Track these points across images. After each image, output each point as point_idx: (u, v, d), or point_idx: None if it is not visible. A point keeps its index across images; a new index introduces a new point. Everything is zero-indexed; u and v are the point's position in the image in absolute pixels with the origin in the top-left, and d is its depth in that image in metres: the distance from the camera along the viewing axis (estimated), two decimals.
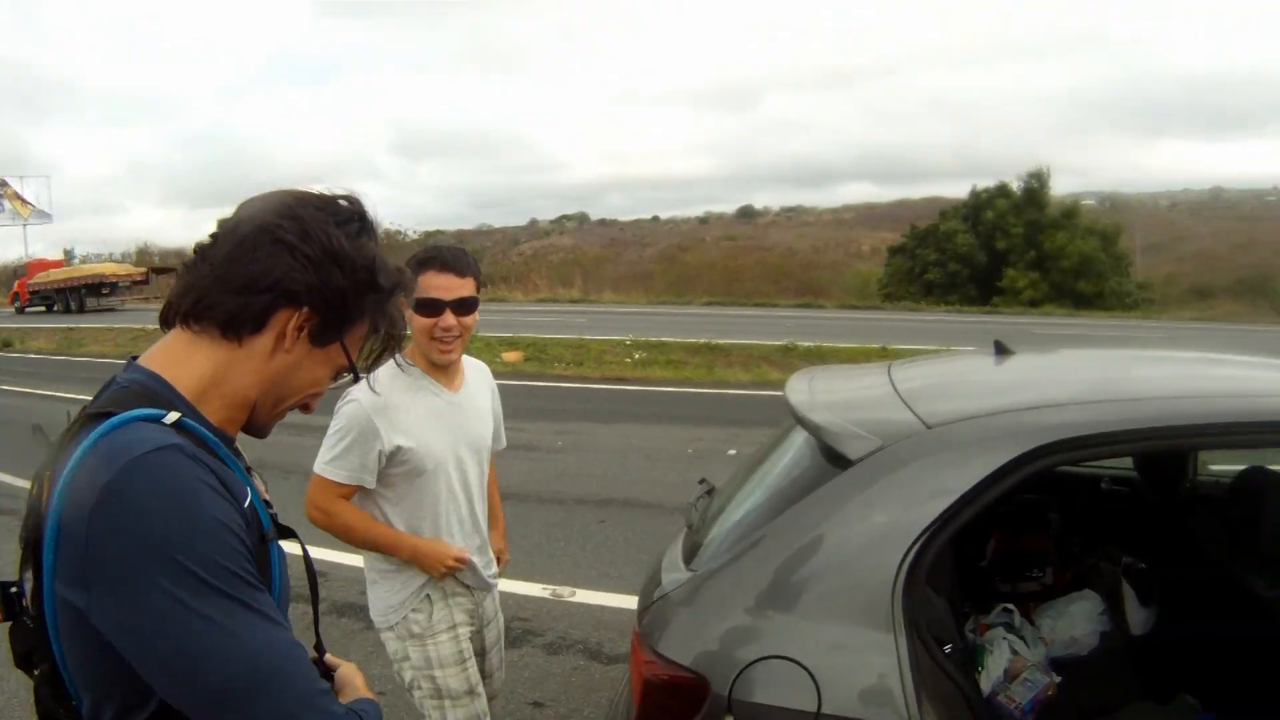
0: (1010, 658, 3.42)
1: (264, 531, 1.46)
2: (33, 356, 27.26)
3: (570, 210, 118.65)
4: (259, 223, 1.47)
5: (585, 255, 64.68)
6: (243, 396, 1.51)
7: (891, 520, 2.33)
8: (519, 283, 49.40)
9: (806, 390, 3.08)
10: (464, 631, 3.29)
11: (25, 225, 62.44)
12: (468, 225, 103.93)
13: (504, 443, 3.65)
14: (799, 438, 2.91)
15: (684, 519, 3.29)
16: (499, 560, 3.61)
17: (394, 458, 3.08)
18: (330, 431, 3.09)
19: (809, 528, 2.41)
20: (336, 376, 1.62)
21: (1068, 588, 3.97)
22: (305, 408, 1.62)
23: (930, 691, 2.25)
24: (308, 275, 1.46)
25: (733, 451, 10.56)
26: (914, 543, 2.27)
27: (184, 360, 1.47)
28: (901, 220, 57.70)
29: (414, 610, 3.21)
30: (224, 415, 1.50)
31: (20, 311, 43.48)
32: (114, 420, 1.32)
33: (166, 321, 1.52)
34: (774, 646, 2.29)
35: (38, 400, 17.96)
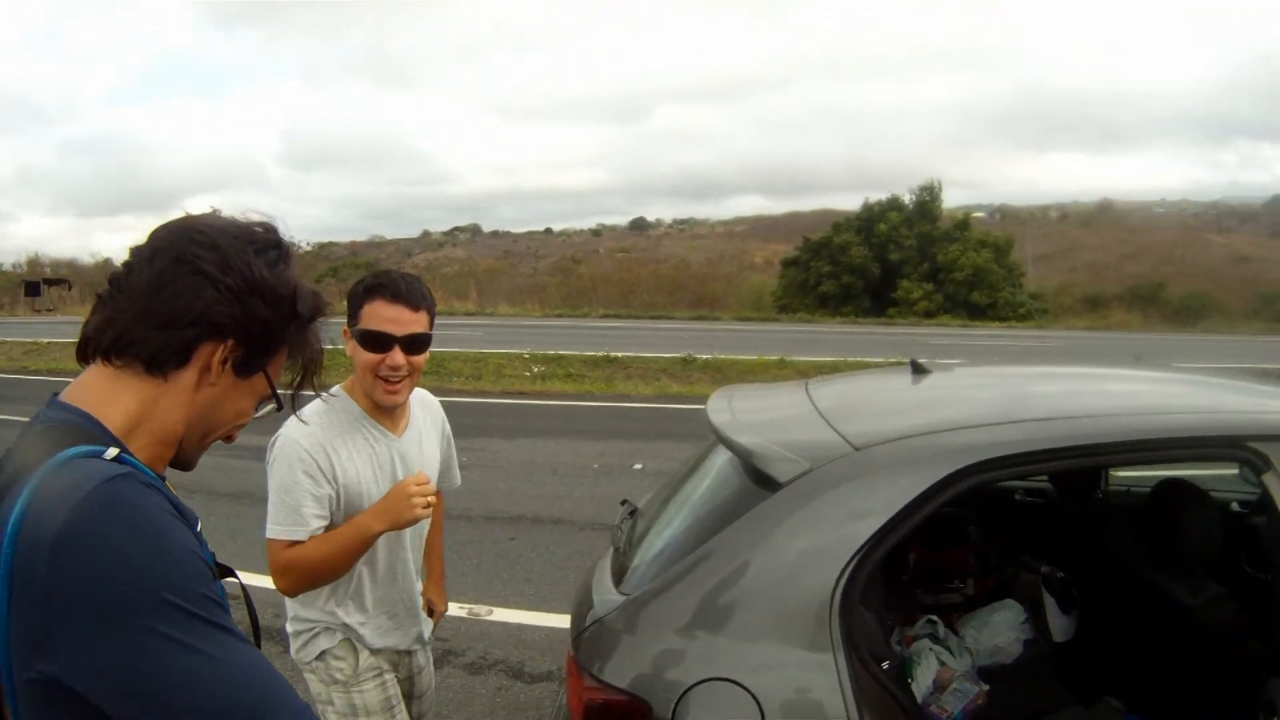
0: (938, 668, 3.52)
1: (209, 568, 1.38)
2: None
3: (462, 222, 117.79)
4: (176, 253, 1.43)
5: (479, 267, 64.31)
6: (170, 432, 1.47)
7: (824, 541, 2.40)
8: None
9: (728, 410, 3.13)
10: (390, 677, 3.04)
11: None
12: (360, 236, 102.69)
13: (458, 481, 3.39)
14: (721, 458, 2.97)
15: (610, 541, 3.30)
16: (432, 613, 3.36)
17: (339, 499, 2.79)
18: (273, 488, 2.74)
19: (742, 550, 2.46)
20: (259, 406, 1.60)
21: (989, 597, 4.09)
22: (228, 439, 1.60)
23: (870, 707, 2.32)
24: (231, 307, 1.43)
25: (639, 466, 10.62)
26: (847, 563, 2.34)
27: (108, 397, 1.42)
28: (793, 232, 58.29)
29: (336, 658, 2.94)
30: (152, 452, 1.44)
31: None
32: (54, 460, 1.26)
33: (84, 356, 1.47)
34: (715, 669, 2.33)
35: None
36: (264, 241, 1.51)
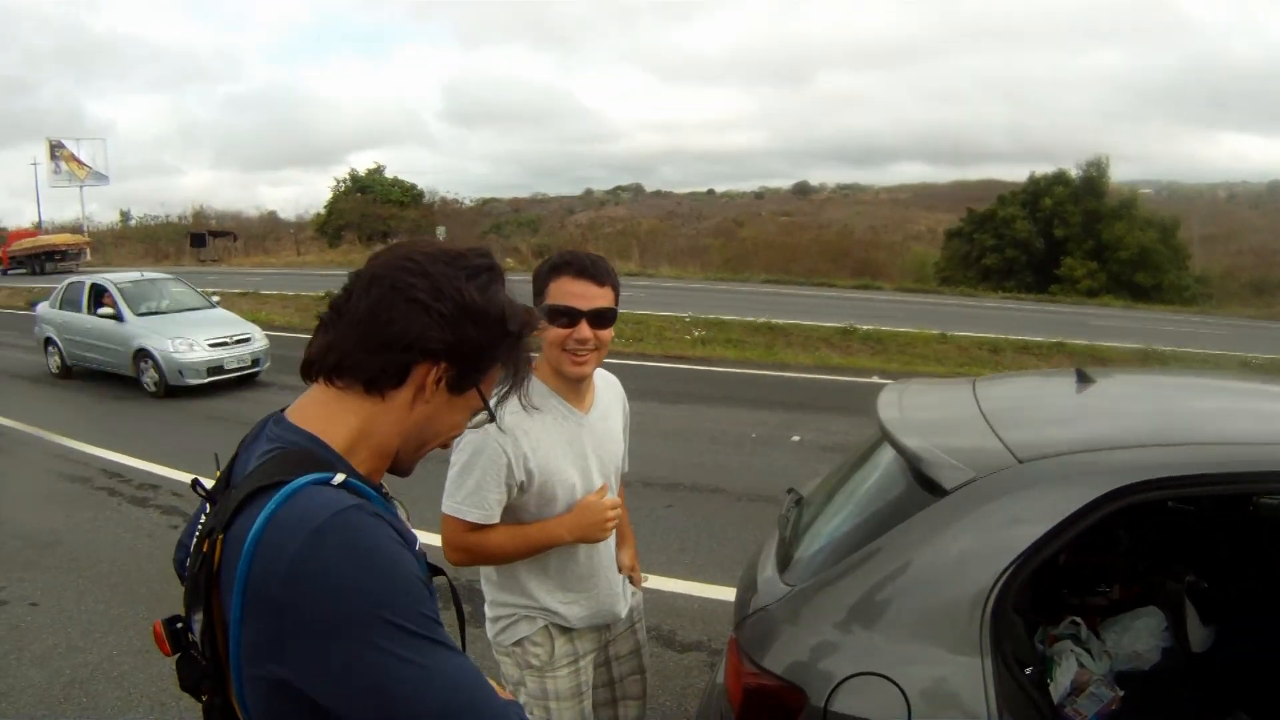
0: (1077, 670, 3.52)
1: (427, 586, 1.49)
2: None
3: (625, 181, 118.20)
4: (391, 281, 1.53)
5: (641, 227, 64.37)
6: (388, 446, 1.59)
7: (983, 549, 2.45)
8: None
9: (897, 408, 3.19)
10: (586, 662, 3.13)
11: (82, 187, 63.49)
12: (522, 193, 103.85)
13: (627, 466, 3.36)
14: (887, 455, 3.02)
15: (776, 526, 3.41)
16: (632, 581, 3.39)
17: (523, 487, 2.85)
18: (455, 465, 2.82)
19: (904, 552, 2.53)
20: (472, 416, 1.68)
21: (1133, 603, 4.04)
22: (444, 445, 1.70)
23: (1012, 710, 2.37)
24: (443, 332, 1.52)
25: (796, 438, 10.65)
26: (1003, 572, 2.39)
27: (332, 417, 1.55)
28: (957, 202, 57.09)
29: (534, 644, 3.02)
30: (371, 465, 1.57)
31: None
32: (288, 489, 1.37)
33: (309, 376, 1.59)
34: (868, 663, 2.42)
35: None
36: (475, 266, 1.58)
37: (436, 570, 1.60)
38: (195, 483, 1.68)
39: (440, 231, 48.90)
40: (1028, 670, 2.58)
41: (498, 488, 2.78)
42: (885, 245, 53.75)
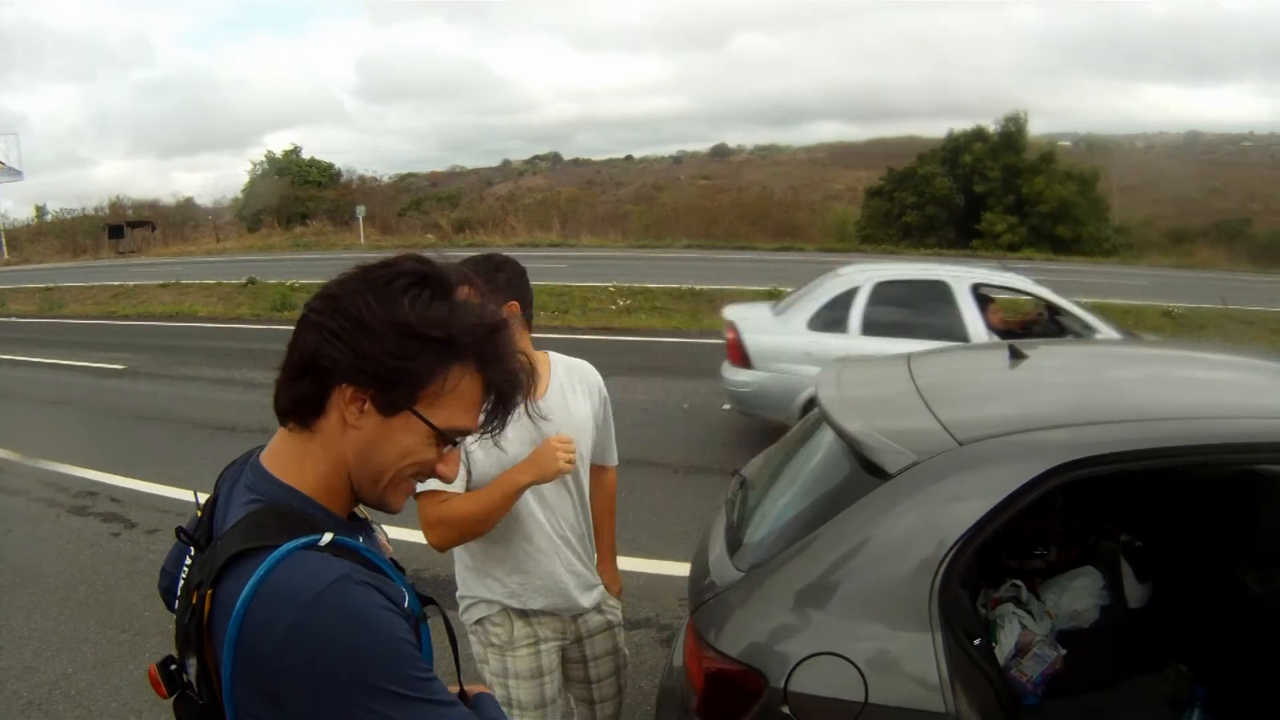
0: (1020, 632, 3.67)
1: (414, 618, 1.52)
2: (15, 321, 27.08)
3: (542, 150, 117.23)
4: (304, 310, 1.52)
5: (561, 196, 63.83)
6: (339, 480, 1.55)
7: (928, 529, 2.57)
8: (496, 227, 48.80)
9: (835, 387, 3.32)
10: (549, 647, 3.28)
11: None
12: (440, 167, 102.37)
13: (614, 459, 3.53)
14: (829, 436, 3.14)
15: (723, 510, 3.53)
16: (609, 589, 3.52)
17: (470, 461, 3.01)
18: None
19: (853, 534, 2.65)
20: (448, 442, 1.57)
21: (1070, 564, 4.20)
22: (420, 476, 1.60)
23: (963, 681, 2.51)
24: (337, 350, 1.46)
25: (727, 407, 10.75)
26: (949, 550, 2.52)
27: (300, 460, 1.54)
28: (876, 159, 56.92)
29: (494, 624, 3.22)
30: (341, 503, 1.57)
31: None
32: (274, 557, 1.38)
33: (279, 419, 1.58)
34: (824, 643, 2.55)
35: (27, 369, 17.96)
36: (387, 278, 1.50)
37: (428, 600, 1.65)
38: (179, 530, 1.63)
39: (359, 210, 48.32)
40: (975, 641, 2.71)
41: None
42: (805, 205, 53.61)
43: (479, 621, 3.24)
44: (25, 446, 11.26)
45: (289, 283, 26.57)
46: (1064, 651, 3.66)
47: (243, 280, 27.88)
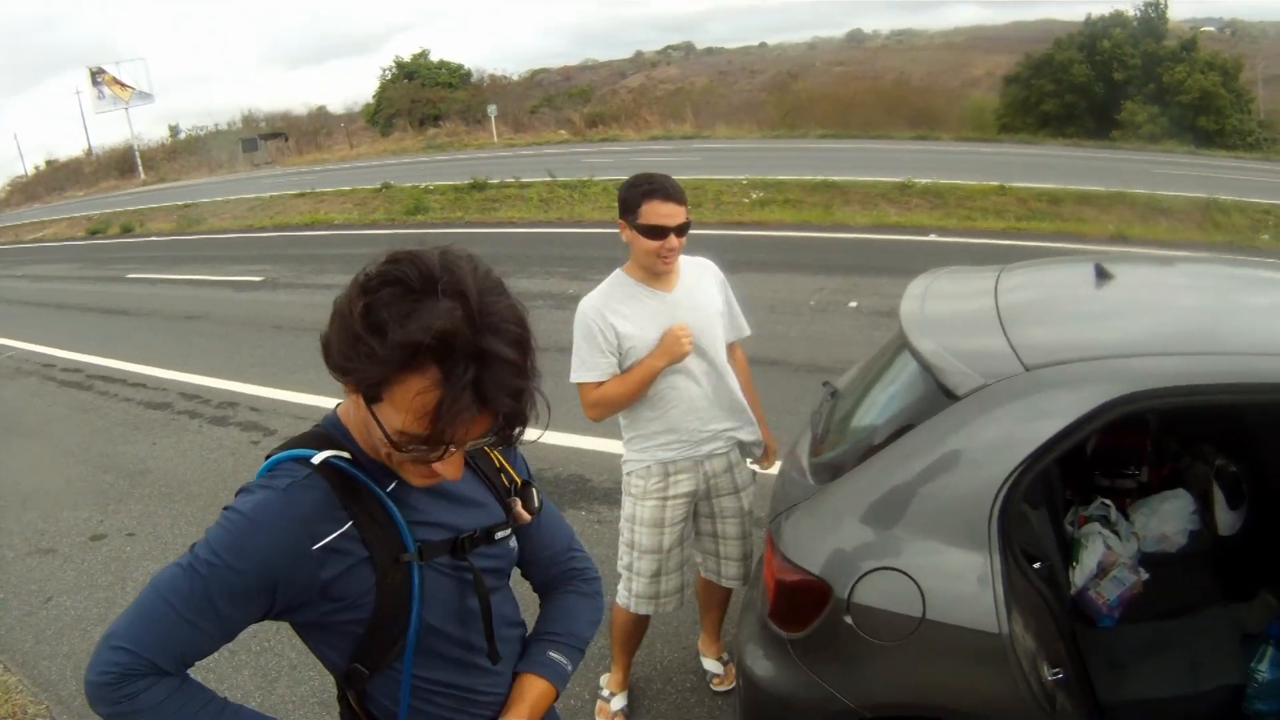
0: (1104, 552, 3.64)
1: (399, 554, 1.67)
2: (154, 240, 27.92)
3: (674, 40, 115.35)
4: None
5: (694, 87, 63.27)
6: (363, 441, 1.70)
7: (991, 453, 2.60)
8: (629, 120, 48.73)
9: (919, 301, 3.34)
10: (676, 502, 3.78)
11: (128, 108, 63.70)
12: (571, 61, 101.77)
13: (746, 330, 4.00)
14: (910, 353, 3.13)
15: (810, 424, 3.63)
16: (767, 450, 4.07)
17: (621, 348, 3.58)
18: (575, 345, 3.62)
19: (920, 454, 2.71)
20: (397, 447, 1.55)
21: (1162, 485, 4.13)
22: (433, 474, 1.63)
23: (1019, 603, 2.56)
24: (327, 336, 1.55)
25: (854, 304, 10.72)
26: (1011, 473, 2.54)
27: (349, 405, 1.69)
28: (1014, 44, 55.18)
29: (637, 476, 3.79)
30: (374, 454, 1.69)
31: None
32: (275, 457, 1.69)
33: None
34: (887, 558, 2.63)
35: (166, 286, 18.58)
36: (376, 282, 1.50)
37: (462, 556, 1.78)
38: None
39: (491, 109, 48.67)
40: (1036, 565, 2.70)
41: (599, 353, 3.57)
42: (942, 92, 51.67)
43: (627, 474, 3.85)
44: (166, 361, 11.77)
45: (423, 185, 26.94)
46: (1145, 576, 3.62)
47: (377, 185, 28.28)
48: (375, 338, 1.44)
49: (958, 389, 2.68)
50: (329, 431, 1.73)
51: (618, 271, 3.71)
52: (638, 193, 3.50)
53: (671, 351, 3.53)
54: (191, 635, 1.59)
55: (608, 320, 3.56)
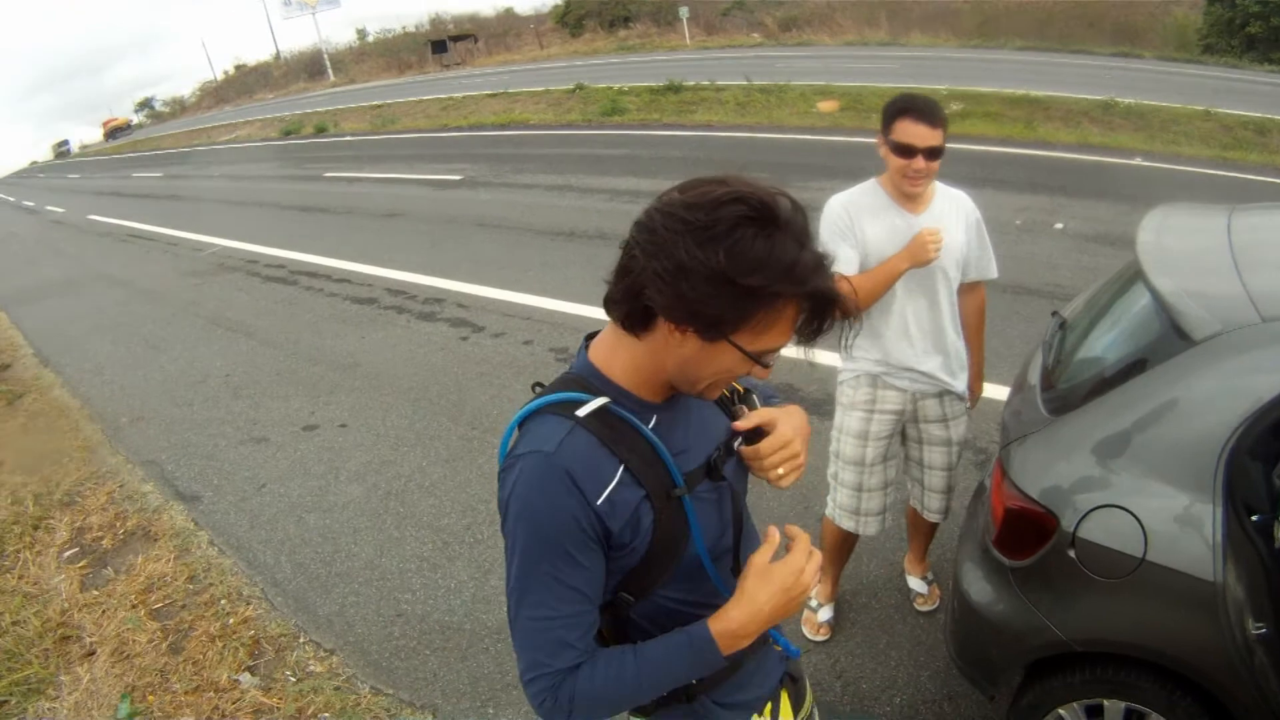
0: None
1: (669, 490, 1.71)
2: (350, 139, 28.52)
3: None
4: (633, 235, 1.58)
5: None
6: (655, 378, 1.71)
7: (1224, 401, 2.56)
8: (823, 25, 47.70)
9: (1156, 235, 3.26)
10: (882, 417, 3.87)
11: (314, 13, 64.96)
12: None
13: (993, 272, 3.97)
14: (1145, 290, 3.06)
15: (1040, 352, 3.63)
16: (971, 394, 4.09)
17: (864, 241, 3.60)
18: (820, 240, 3.49)
19: (1154, 395, 2.70)
20: (762, 363, 1.64)
21: None
22: (725, 381, 1.70)
23: (1235, 555, 2.54)
24: (658, 293, 1.52)
25: (1060, 225, 10.43)
26: (1240, 423, 2.51)
27: (612, 350, 1.73)
28: None
29: (848, 385, 3.91)
30: (649, 391, 1.73)
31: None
32: (534, 404, 1.71)
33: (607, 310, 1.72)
34: (1115, 496, 2.65)
35: (366, 184, 19.03)
36: (707, 223, 1.49)
37: (720, 477, 1.84)
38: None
39: (683, 12, 48.14)
40: (1254, 518, 2.66)
41: (845, 244, 3.58)
42: (1145, 7, 49.32)
43: (840, 383, 3.96)
44: (369, 257, 12.13)
45: (617, 86, 26.90)
46: None
47: (570, 86, 28.37)
48: (753, 278, 1.48)
49: (1194, 333, 2.64)
50: (583, 376, 1.75)
51: (873, 180, 3.71)
52: (894, 108, 3.50)
53: (917, 256, 3.50)
54: (565, 622, 1.68)
55: (852, 217, 3.60)
